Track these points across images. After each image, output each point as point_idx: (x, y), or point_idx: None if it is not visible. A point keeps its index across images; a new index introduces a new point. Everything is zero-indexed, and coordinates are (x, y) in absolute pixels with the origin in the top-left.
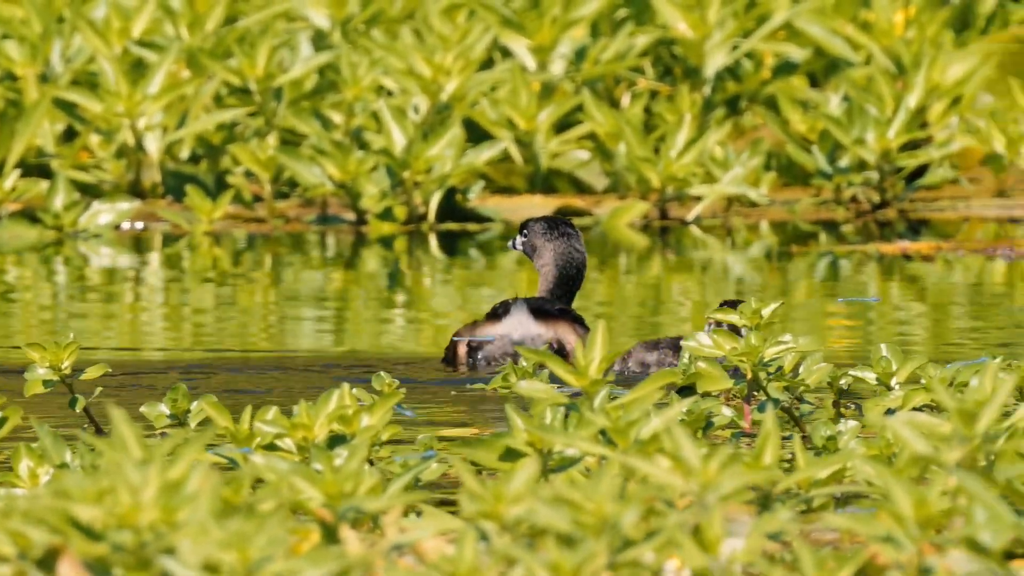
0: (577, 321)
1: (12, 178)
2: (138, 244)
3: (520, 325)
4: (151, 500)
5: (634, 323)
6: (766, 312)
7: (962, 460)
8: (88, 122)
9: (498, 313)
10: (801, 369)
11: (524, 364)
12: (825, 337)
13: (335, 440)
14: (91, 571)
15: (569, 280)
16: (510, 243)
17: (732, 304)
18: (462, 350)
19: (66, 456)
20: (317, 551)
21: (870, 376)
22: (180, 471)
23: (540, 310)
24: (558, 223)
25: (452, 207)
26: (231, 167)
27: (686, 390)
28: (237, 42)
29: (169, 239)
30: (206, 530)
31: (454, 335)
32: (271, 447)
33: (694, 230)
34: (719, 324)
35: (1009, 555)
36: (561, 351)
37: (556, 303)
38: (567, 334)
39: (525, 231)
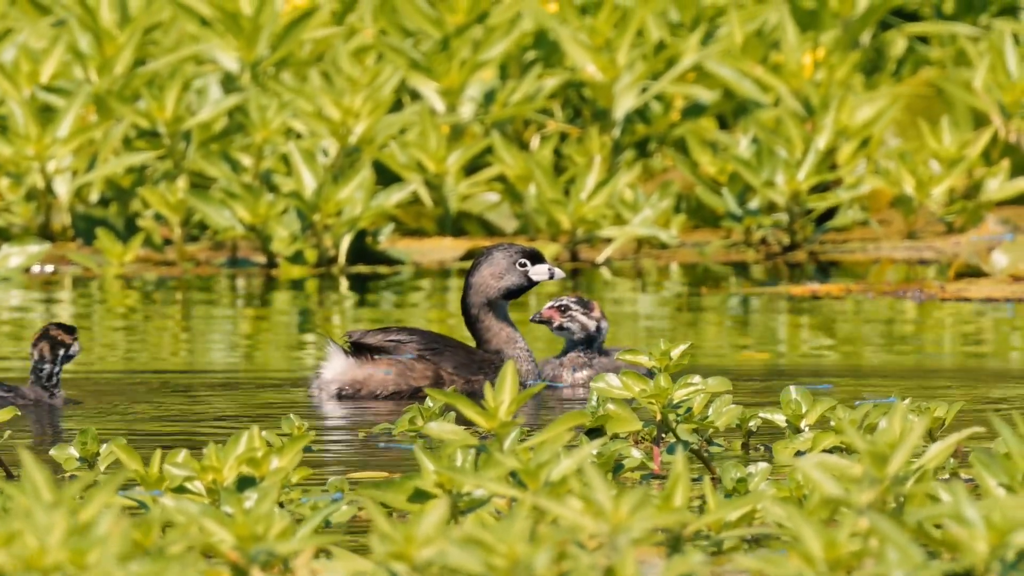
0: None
1: None
2: (48, 287)
3: (329, 365)
4: (58, 542)
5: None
6: (675, 353)
7: (872, 502)
8: None
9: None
10: (710, 411)
11: (318, 398)
12: (736, 379)
13: (244, 482)
14: None
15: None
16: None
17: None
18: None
19: None
20: None
21: (780, 418)
22: (89, 514)
23: (360, 346)
24: None
25: (362, 249)
26: (141, 210)
27: (594, 432)
28: (146, 85)
29: (79, 282)
30: (114, 572)
31: None
32: (180, 490)
33: (604, 272)
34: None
35: None
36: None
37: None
38: (372, 370)
39: None
